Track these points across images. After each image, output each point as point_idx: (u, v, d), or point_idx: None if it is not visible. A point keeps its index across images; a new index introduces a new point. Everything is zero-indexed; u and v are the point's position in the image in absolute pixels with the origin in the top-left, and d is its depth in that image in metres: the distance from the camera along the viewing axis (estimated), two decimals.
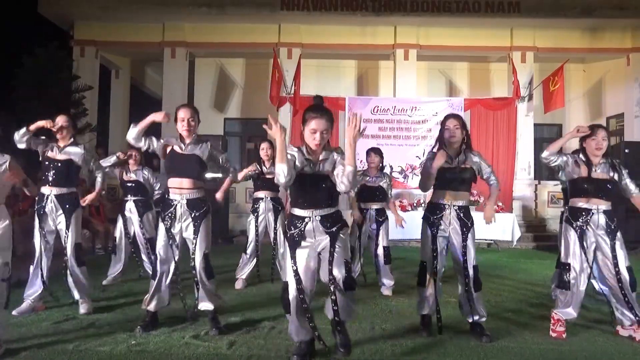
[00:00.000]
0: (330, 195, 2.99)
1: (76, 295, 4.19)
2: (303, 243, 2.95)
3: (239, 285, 5.36)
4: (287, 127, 11.31)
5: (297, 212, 3.00)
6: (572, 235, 3.68)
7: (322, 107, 2.96)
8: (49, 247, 4.18)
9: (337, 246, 2.92)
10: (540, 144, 12.57)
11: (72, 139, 4.31)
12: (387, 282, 5.14)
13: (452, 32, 11.33)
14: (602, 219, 3.63)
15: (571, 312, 3.65)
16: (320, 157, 2.97)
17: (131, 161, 5.64)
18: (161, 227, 3.72)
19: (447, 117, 3.71)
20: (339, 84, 12.42)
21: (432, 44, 11.51)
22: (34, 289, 4.15)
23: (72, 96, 10.70)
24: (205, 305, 3.67)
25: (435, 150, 3.72)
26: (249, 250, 5.40)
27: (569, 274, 3.64)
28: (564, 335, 3.62)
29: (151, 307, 3.72)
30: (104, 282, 5.39)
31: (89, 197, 4.56)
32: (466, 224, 3.60)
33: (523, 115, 11.39)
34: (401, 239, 8.28)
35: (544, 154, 3.77)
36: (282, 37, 11.50)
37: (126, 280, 5.56)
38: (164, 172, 3.88)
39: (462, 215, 3.61)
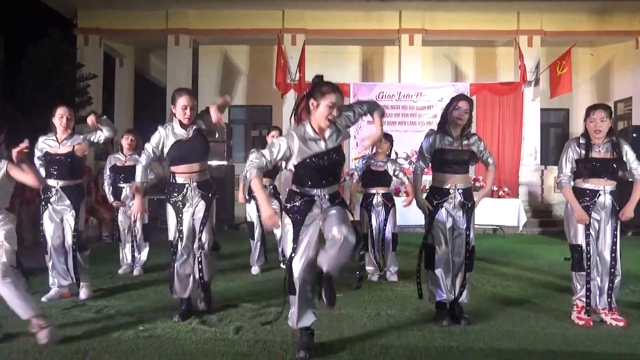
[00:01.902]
0: (338, 173, 3.04)
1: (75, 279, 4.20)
2: (307, 219, 2.92)
3: (255, 271, 5.40)
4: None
5: (303, 189, 2.95)
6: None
7: (329, 82, 2.94)
8: (58, 234, 4.17)
9: (338, 210, 2.92)
10: (546, 128, 12.51)
11: (70, 131, 4.22)
12: (393, 268, 5.14)
13: (457, 16, 11.20)
14: (608, 200, 3.59)
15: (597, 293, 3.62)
16: (327, 134, 2.93)
17: (126, 145, 5.50)
18: (172, 216, 3.71)
19: (459, 97, 3.66)
20: (343, 70, 12.34)
21: (437, 28, 11.39)
22: (61, 279, 4.19)
23: (77, 85, 10.70)
24: (208, 276, 3.79)
25: (433, 133, 3.70)
26: (256, 236, 5.42)
27: (582, 255, 3.60)
28: (592, 323, 3.58)
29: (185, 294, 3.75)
30: (120, 272, 5.34)
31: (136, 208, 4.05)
32: (467, 205, 3.61)
33: (529, 100, 11.28)
34: (406, 224, 8.27)
35: (558, 180, 3.75)
36: (286, 23, 11.41)
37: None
38: (169, 162, 3.77)
39: (463, 199, 3.62)
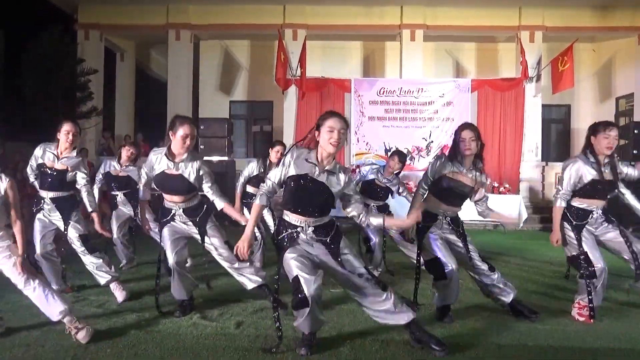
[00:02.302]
0: (324, 206, 2.94)
1: (101, 281, 4.09)
2: (294, 247, 2.92)
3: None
4: (294, 110, 11.28)
5: (289, 218, 2.95)
6: (571, 234, 3.65)
7: (335, 112, 2.96)
8: (49, 242, 4.14)
9: (344, 254, 2.93)
10: (548, 124, 12.49)
11: (74, 149, 4.08)
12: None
13: (459, 11, 11.17)
14: (599, 217, 3.64)
15: (600, 294, 3.62)
16: (327, 168, 2.90)
17: (125, 157, 5.39)
18: (164, 230, 3.68)
19: (462, 127, 3.55)
20: (344, 65, 12.32)
21: (439, 24, 11.37)
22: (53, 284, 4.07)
23: (78, 80, 10.70)
24: (249, 285, 3.79)
25: (444, 158, 3.58)
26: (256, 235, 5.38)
27: (589, 261, 3.57)
28: (592, 321, 3.58)
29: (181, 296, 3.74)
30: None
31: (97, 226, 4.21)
32: (457, 231, 3.59)
33: (531, 96, 11.26)
34: None
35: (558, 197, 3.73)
36: (287, 18, 11.39)
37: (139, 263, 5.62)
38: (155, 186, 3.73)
39: (452, 226, 3.58)
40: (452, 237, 3.60)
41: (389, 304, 2.92)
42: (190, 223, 3.67)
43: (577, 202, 3.67)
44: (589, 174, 3.57)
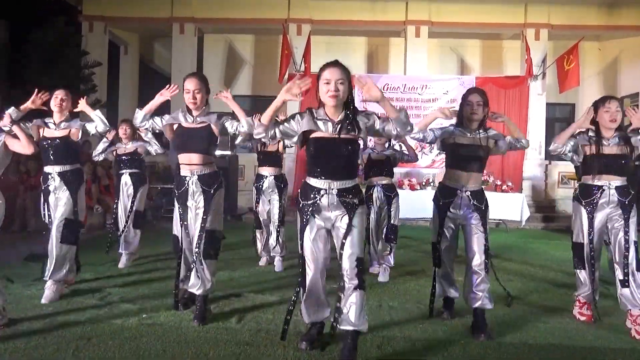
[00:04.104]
0: (351, 164, 2.81)
1: (46, 274, 3.87)
2: (315, 219, 2.82)
3: (262, 262, 5.36)
4: (297, 104, 11.25)
5: (312, 182, 2.82)
6: (582, 214, 3.59)
7: (335, 61, 2.82)
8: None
9: (353, 226, 2.77)
10: (552, 123, 12.43)
11: (68, 114, 4.14)
12: (385, 265, 4.93)
13: (464, 8, 11.11)
14: (613, 195, 3.49)
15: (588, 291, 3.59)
16: (339, 117, 2.78)
17: (123, 137, 5.46)
18: (176, 211, 3.63)
19: (469, 92, 3.50)
20: (348, 61, 12.10)
21: (443, 20, 11.30)
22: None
23: (82, 72, 10.70)
24: (193, 288, 3.44)
25: (452, 125, 3.54)
26: (270, 227, 5.35)
27: (583, 252, 3.57)
28: (593, 320, 3.58)
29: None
30: (120, 266, 5.15)
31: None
32: (479, 208, 3.41)
33: (535, 94, 11.21)
34: (408, 217, 8.26)
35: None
36: (292, 12, 11.35)
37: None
38: (172, 149, 3.65)
39: (475, 201, 3.40)
40: (471, 222, 3.41)
41: (349, 300, 2.74)
42: (200, 194, 3.46)
43: (587, 180, 3.60)
44: (586, 147, 3.56)
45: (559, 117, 12.88)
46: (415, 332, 3.30)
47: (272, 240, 5.21)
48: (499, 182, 9.89)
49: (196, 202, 3.49)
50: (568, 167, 9.25)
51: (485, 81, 11.18)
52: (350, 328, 2.73)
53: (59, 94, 4.10)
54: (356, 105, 2.88)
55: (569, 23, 11.18)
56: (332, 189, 2.78)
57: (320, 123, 2.79)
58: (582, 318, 3.61)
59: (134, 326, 3.27)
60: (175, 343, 3.01)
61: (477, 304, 3.32)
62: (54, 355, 2.80)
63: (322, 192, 2.79)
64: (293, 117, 2.86)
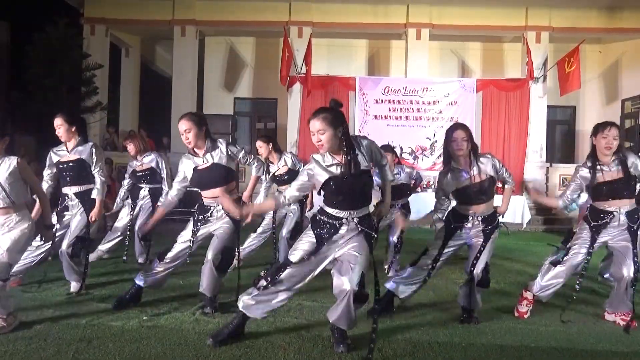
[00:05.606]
0: (367, 194, 2.97)
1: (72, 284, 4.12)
2: (325, 246, 2.94)
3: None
4: (298, 107, 11.27)
5: (331, 211, 2.94)
6: (587, 233, 3.64)
7: (320, 108, 2.92)
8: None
9: (359, 247, 2.92)
10: (553, 126, 12.44)
11: (79, 137, 4.15)
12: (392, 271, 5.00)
13: (465, 11, 11.13)
14: (622, 219, 3.54)
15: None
16: (342, 158, 2.87)
17: (131, 151, 5.44)
18: (187, 232, 3.67)
19: (452, 128, 3.54)
20: (349, 63, 12.30)
21: (444, 23, 11.32)
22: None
23: (83, 74, 10.72)
24: (205, 290, 3.65)
25: (443, 170, 3.66)
26: (259, 230, 5.34)
27: (576, 261, 3.62)
28: (526, 316, 3.69)
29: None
30: (91, 259, 4.86)
31: (94, 213, 4.14)
32: (490, 227, 3.58)
33: (536, 97, 11.21)
34: (410, 219, 8.23)
35: (562, 204, 3.82)
36: (293, 15, 11.37)
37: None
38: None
39: (485, 226, 3.57)
40: (475, 240, 3.57)
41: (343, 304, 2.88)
42: (225, 217, 3.61)
43: (597, 205, 3.65)
44: (584, 180, 3.62)
45: (559, 120, 12.89)
46: (416, 335, 3.29)
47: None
48: (500, 185, 9.87)
49: (219, 224, 3.65)
50: (569, 170, 9.24)
51: (486, 84, 11.20)
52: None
53: (56, 124, 4.09)
54: (353, 134, 3.10)
55: (570, 26, 11.20)
56: (353, 218, 2.93)
57: (332, 169, 2.89)
58: (516, 314, 3.72)
59: (135, 328, 3.27)
60: (176, 345, 3.01)
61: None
62: (54, 358, 2.79)
63: (343, 220, 2.93)
64: (302, 174, 2.98)
